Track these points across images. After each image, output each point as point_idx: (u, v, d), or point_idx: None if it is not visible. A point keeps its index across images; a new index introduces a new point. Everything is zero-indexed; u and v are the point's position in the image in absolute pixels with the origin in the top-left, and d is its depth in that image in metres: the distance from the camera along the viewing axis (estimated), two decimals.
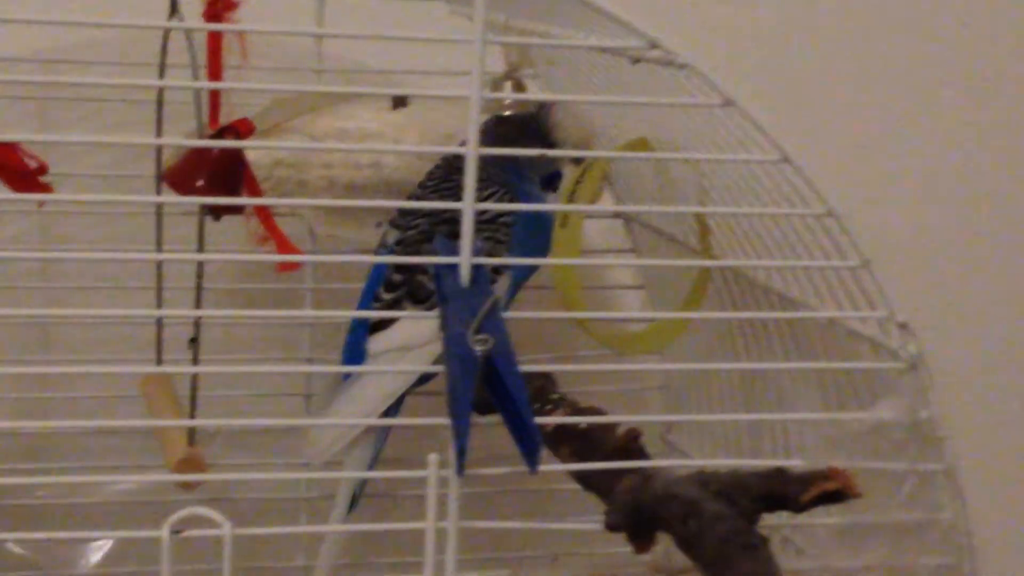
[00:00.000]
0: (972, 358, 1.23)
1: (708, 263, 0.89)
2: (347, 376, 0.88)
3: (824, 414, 0.78)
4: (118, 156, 1.00)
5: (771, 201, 0.78)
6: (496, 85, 0.95)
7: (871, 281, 0.75)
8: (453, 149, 0.72)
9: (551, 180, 0.92)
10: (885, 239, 0.76)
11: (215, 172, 0.75)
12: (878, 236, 0.75)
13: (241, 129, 0.75)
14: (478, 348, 0.65)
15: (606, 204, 1.04)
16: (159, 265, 0.86)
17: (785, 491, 0.68)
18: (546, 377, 0.85)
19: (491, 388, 0.66)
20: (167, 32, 0.81)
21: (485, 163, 0.88)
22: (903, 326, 0.75)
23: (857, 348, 0.78)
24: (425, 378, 0.87)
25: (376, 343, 0.88)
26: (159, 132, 0.84)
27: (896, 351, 0.75)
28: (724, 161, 0.80)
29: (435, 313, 0.70)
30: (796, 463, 0.71)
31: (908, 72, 1.22)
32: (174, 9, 0.80)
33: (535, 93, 1.01)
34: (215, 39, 0.76)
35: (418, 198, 0.91)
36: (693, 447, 1.03)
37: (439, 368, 0.67)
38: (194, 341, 0.80)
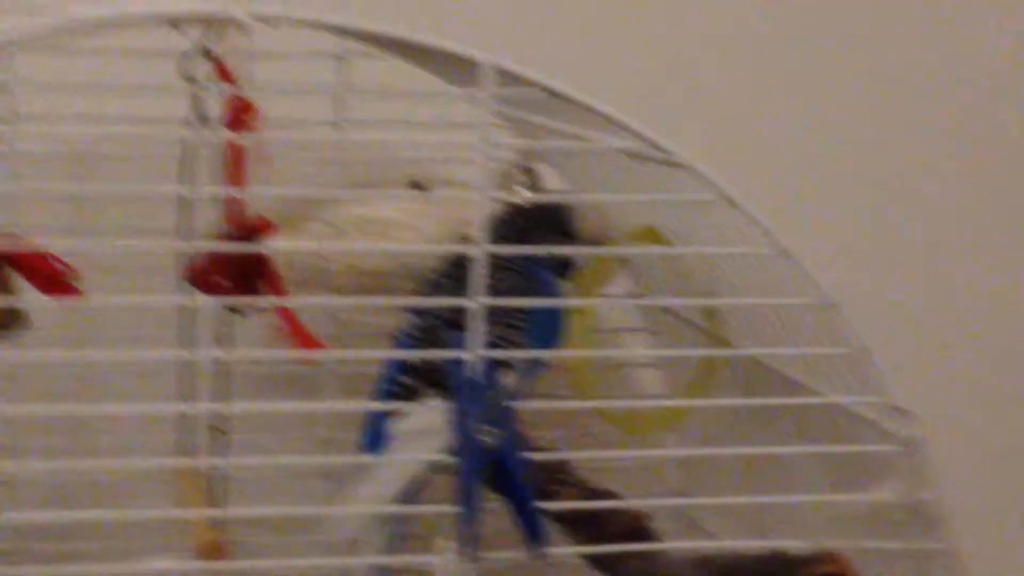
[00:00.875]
0: (974, 442, 1.25)
1: (717, 352, 0.91)
2: (369, 452, 0.90)
3: (825, 496, 0.80)
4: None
5: (776, 289, 0.80)
6: (509, 173, 0.97)
7: (870, 367, 0.77)
8: (462, 248, 0.75)
9: (564, 268, 0.94)
10: (886, 325, 0.79)
11: (237, 271, 0.77)
12: (878, 322, 0.77)
13: (261, 227, 0.78)
14: (487, 440, 0.68)
15: (621, 283, 1.06)
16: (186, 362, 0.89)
17: (783, 573, 0.70)
18: (560, 459, 0.87)
19: (499, 478, 0.69)
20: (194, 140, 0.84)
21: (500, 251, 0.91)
22: (900, 410, 0.77)
23: (858, 431, 0.80)
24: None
25: (397, 425, 0.90)
26: (181, 236, 0.87)
27: (894, 434, 0.77)
28: (726, 255, 0.82)
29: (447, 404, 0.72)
30: (796, 544, 0.73)
31: (903, 163, 1.25)
32: (203, 119, 0.83)
33: (550, 181, 1.03)
34: (236, 146, 0.79)
35: (433, 285, 0.93)
36: (708, 519, 1.04)
37: (451, 459, 0.70)
38: (218, 430, 0.83)
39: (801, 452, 0.85)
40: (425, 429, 0.88)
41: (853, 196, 1.24)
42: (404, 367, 0.90)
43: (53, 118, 0.97)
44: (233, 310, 0.81)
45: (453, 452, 0.69)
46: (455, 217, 0.97)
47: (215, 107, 0.85)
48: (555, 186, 1.06)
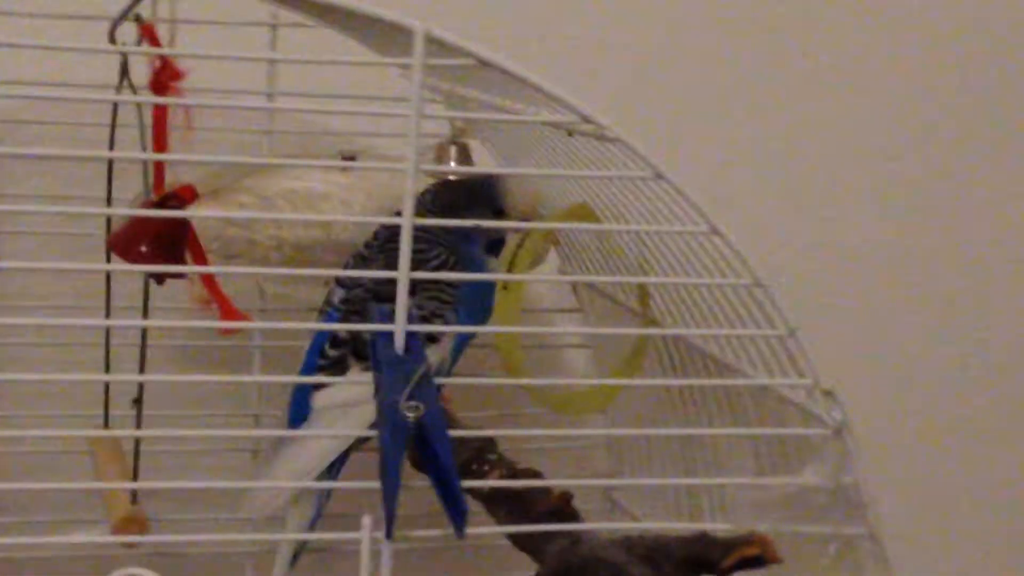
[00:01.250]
0: (898, 424, 1.25)
1: (647, 331, 0.90)
2: (295, 426, 0.89)
3: (752, 479, 0.79)
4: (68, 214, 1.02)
5: (704, 269, 0.80)
6: (442, 148, 0.97)
7: (797, 349, 0.76)
8: (390, 220, 0.74)
9: (495, 245, 0.93)
10: (812, 306, 0.79)
11: (158, 237, 0.76)
12: (805, 304, 0.77)
13: (185, 196, 0.77)
14: (409, 415, 0.67)
15: (552, 264, 1.05)
16: (107, 329, 0.87)
17: (707, 556, 0.70)
18: (486, 438, 0.86)
19: (422, 453, 0.68)
20: (116, 109, 0.83)
21: (431, 226, 0.90)
22: (828, 393, 0.77)
23: (786, 414, 0.79)
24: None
25: (320, 399, 0.89)
26: (109, 200, 0.85)
27: (821, 417, 0.77)
28: (658, 232, 0.82)
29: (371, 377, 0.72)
30: (721, 527, 0.72)
31: (837, 136, 1.25)
32: (123, 77, 0.81)
33: (483, 158, 1.02)
34: (161, 109, 0.77)
35: (363, 257, 0.92)
36: (634, 503, 1.04)
37: (372, 433, 0.69)
38: (137, 402, 0.81)
39: (728, 433, 0.85)
40: (349, 402, 0.87)
41: (781, 177, 1.25)
42: (331, 339, 0.89)
43: None
44: (155, 279, 0.80)
45: (378, 426, 0.68)
46: (385, 191, 0.96)
47: (142, 73, 0.84)
48: (487, 162, 1.06)
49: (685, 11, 1.21)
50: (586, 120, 0.71)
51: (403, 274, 0.69)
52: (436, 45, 0.69)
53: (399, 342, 0.70)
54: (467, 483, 0.76)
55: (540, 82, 0.69)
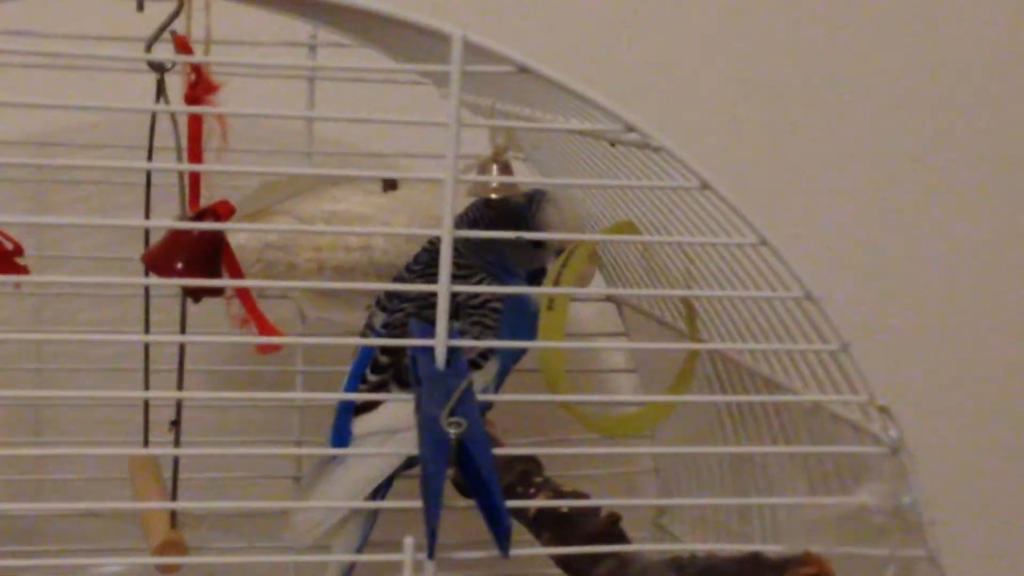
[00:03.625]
0: (957, 442, 1.23)
1: (692, 346, 0.88)
2: (335, 457, 0.87)
3: (806, 499, 0.77)
4: (109, 238, 1.01)
5: (754, 284, 0.78)
6: (483, 167, 0.95)
7: (851, 364, 0.74)
8: (428, 232, 0.72)
9: (536, 276, 0.92)
10: (865, 319, 0.77)
11: (194, 254, 0.75)
12: (857, 316, 0.75)
13: (221, 211, 0.76)
14: (451, 431, 0.65)
15: (596, 286, 1.04)
16: (146, 347, 0.86)
17: None
18: (531, 460, 0.85)
19: (464, 471, 0.66)
20: (154, 115, 0.82)
21: (472, 252, 0.89)
22: (884, 410, 0.74)
23: (840, 432, 0.77)
24: (413, 461, 0.86)
25: (361, 425, 0.88)
26: (147, 214, 0.84)
27: (877, 435, 0.74)
28: (704, 244, 0.80)
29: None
30: (775, 548, 0.70)
31: (889, 150, 1.23)
32: (160, 92, 0.80)
33: (521, 176, 1.01)
34: (195, 123, 0.76)
35: (404, 281, 0.91)
36: (684, 530, 1.02)
37: (413, 451, 0.67)
38: (175, 424, 0.80)
39: (780, 452, 0.82)
40: (390, 427, 0.86)
41: (836, 190, 1.23)
42: (372, 365, 0.88)
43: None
44: (191, 296, 0.79)
45: (419, 442, 0.66)
46: (426, 212, 0.95)
47: (178, 90, 0.83)
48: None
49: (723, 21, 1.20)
50: (630, 129, 0.70)
51: (443, 287, 0.68)
52: (474, 52, 0.67)
53: (440, 357, 0.68)
54: (512, 503, 0.74)
55: (583, 90, 0.68)
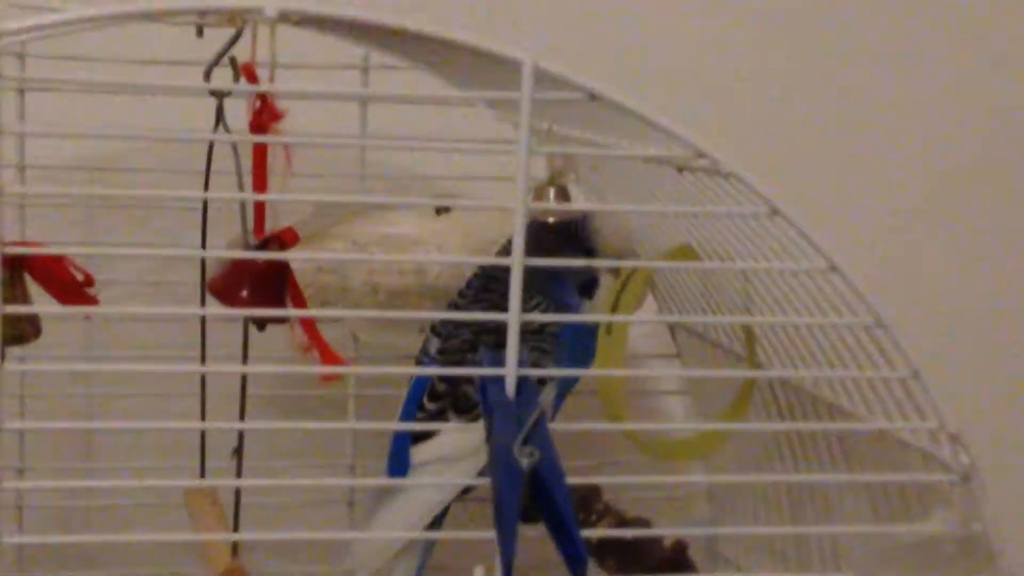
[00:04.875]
0: None
1: (755, 373, 0.87)
2: (393, 474, 0.87)
3: (873, 527, 0.76)
4: (163, 262, 1.01)
5: (817, 308, 0.77)
6: (540, 191, 0.95)
7: (921, 391, 0.73)
8: (500, 260, 0.72)
9: (588, 287, 0.91)
10: (936, 347, 0.75)
11: (259, 282, 0.74)
12: (929, 344, 0.74)
13: (286, 239, 0.75)
14: (524, 461, 0.65)
15: (649, 309, 1.03)
16: (203, 377, 0.86)
17: None
18: (591, 486, 0.84)
19: (536, 500, 0.66)
20: (212, 143, 0.82)
21: (526, 272, 0.88)
22: (955, 437, 0.73)
23: (907, 458, 0.76)
24: (470, 487, 0.86)
25: (420, 453, 0.87)
26: (204, 242, 0.84)
27: (947, 462, 0.74)
28: (771, 270, 0.79)
29: (479, 425, 0.70)
30: None
31: (957, 179, 1.22)
32: (219, 118, 0.80)
33: (579, 200, 1.00)
34: (260, 150, 0.76)
35: (457, 306, 0.90)
36: (739, 555, 1.01)
37: (482, 481, 0.67)
38: (237, 452, 0.80)
39: (848, 480, 0.81)
40: (449, 455, 0.86)
41: (904, 212, 1.22)
42: (430, 392, 0.88)
43: (71, 124, 0.95)
44: (256, 324, 0.78)
45: (489, 474, 0.66)
46: (480, 235, 0.95)
47: (239, 114, 0.83)
48: (583, 202, 1.04)
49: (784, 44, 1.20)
50: (700, 155, 0.69)
51: (514, 316, 0.67)
52: (544, 79, 0.67)
53: (511, 386, 0.68)
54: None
55: (654, 116, 0.67)
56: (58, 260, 0.73)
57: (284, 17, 0.63)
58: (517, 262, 0.67)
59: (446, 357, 0.88)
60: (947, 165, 1.22)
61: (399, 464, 0.87)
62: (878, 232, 1.21)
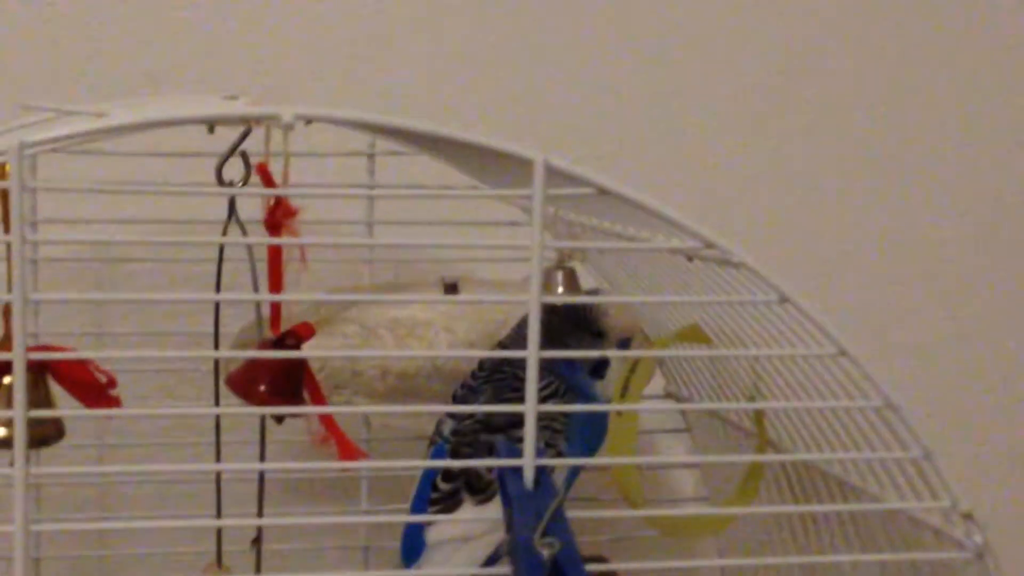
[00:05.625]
0: None
1: (767, 457, 0.88)
2: (409, 561, 0.87)
3: None
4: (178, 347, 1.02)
5: (827, 390, 0.78)
6: (548, 274, 0.96)
7: (933, 471, 0.74)
8: (516, 353, 0.73)
9: (599, 368, 0.92)
10: (946, 427, 0.76)
11: (277, 377, 0.75)
12: (939, 425, 0.75)
13: (302, 333, 0.76)
14: (544, 552, 0.65)
15: (658, 383, 1.04)
16: (218, 475, 0.87)
17: None
18: (607, 571, 0.85)
19: None
20: (223, 246, 0.83)
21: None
22: (968, 516, 0.74)
23: (920, 536, 0.77)
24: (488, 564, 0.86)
25: (435, 534, 0.87)
26: (217, 341, 0.85)
27: (961, 541, 0.74)
28: (783, 356, 0.80)
29: (493, 504, 0.70)
30: None
31: (965, 264, 1.23)
32: (231, 212, 0.81)
33: (585, 280, 1.01)
34: (275, 249, 0.77)
35: (470, 387, 0.91)
36: None
37: (504, 571, 0.67)
38: (256, 542, 0.80)
39: (858, 560, 0.82)
40: (465, 536, 0.86)
41: (904, 290, 1.23)
42: (443, 472, 0.88)
43: (79, 221, 0.96)
44: (275, 418, 0.79)
45: (512, 563, 0.66)
46: (488, 317, 0.96)
47: (250, 209, 0.84)
48: (589, 284, 1.05)
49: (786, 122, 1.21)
50: (710, 246, 0.70)
51: (531, 406, 0.68)
52: (555, 175, 0.68)
53: (528, 477, 0.68)
54: None
55: (664, 209, 0.68)
56: (81, 364, 0.74)
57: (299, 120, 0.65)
58: (533, 355, 0.68)
59: (460, 438, 0.89)
60: (956, 245, 1.24)
61: (414, 544, 0.88)
62: (887, 316, 1.22)
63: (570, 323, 0.90)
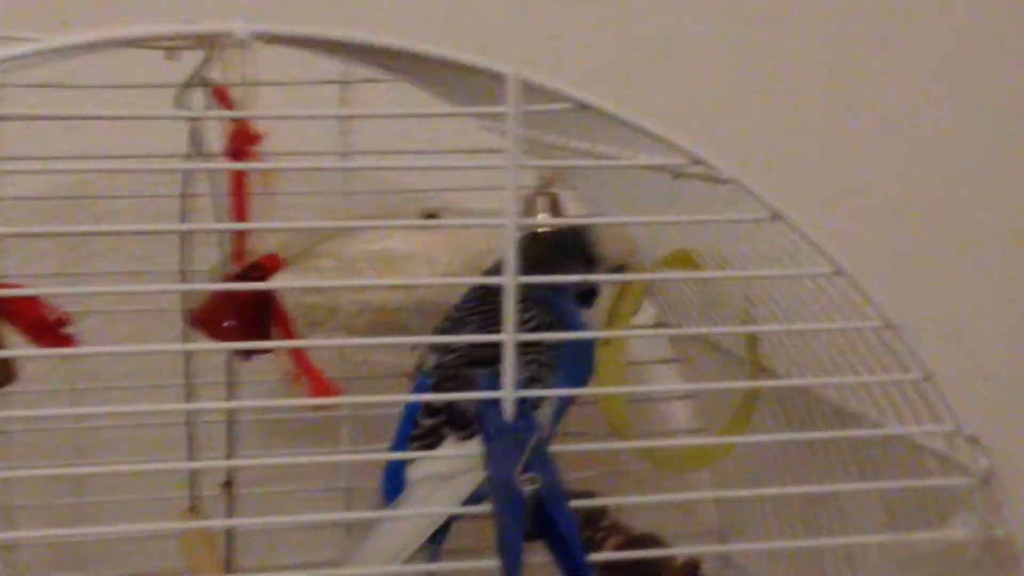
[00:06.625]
0: None
1: (762, 383, 0.85)
2: (389, 498, 0.85)
3: (890, 536, 0.74)
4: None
5: (823, 312, 0.74)
6: (530, 200, 0.93)
7: (935, 393, 0.71)
8: (491, 280, 0.69)
9: (587, 296, 0.89)
10: (950, 348, 0.74)
11: (243, 312, 0.72)
12: (942, 345, 0.72)
13: (268, 265, 0.73)
14: (526, 488, 0.63)
15: (648, 313, 1.01)
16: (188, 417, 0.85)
17: None
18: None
19: (539, 523, 0.64)
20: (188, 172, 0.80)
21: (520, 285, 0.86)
22: (973, 439, 0.71)
23: (923, 463, 0.74)
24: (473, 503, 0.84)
25: (416, 471, 0.85)
26: (184, 276, 0.82)
27: (966, 465, 0.71)
28: (776, 277, 0.77)
29: (477, 440, 0.68)
30: None
31: (962, 174, 1.21)
32: (196, 146, 0.78)
33: (570, 206, 0.98)
34: (238, 176, 0.73)
35: (454, 320, 0.88)
36: (751, 561, 0.99)
37: (483, 509, 0.65)
38: (227, 485, 0.78)
39: (858, 489, 0.79)
40: (447, 473, 0.83)
41: (911, 212, 1.21)
42: (425, 408, 0.85)
43: (41, 157, 0.92)
44: (241, 355, 0.76)
45: (492, 501, 0.63)
46: (471, 247, 0.93)
47: (214, 138, 0.81)
48: (576, 210, 1.02)
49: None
50: (697, 162, 0.67)
51: (510, 336, 0.65)
52: (530, 90, 0.64)
53: (509, 409, 0.65)
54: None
55: (648, 125, 0.65)
56: (30, 301, 0.71)
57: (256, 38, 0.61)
58: (510, 281, 0.65)
59: (442, 372, 0.86)
60: (955, 164, 1.21)
61: (395, 482, 0.85)
62: (883, 234, 1.19)
63: (558, 251, 0.87)
